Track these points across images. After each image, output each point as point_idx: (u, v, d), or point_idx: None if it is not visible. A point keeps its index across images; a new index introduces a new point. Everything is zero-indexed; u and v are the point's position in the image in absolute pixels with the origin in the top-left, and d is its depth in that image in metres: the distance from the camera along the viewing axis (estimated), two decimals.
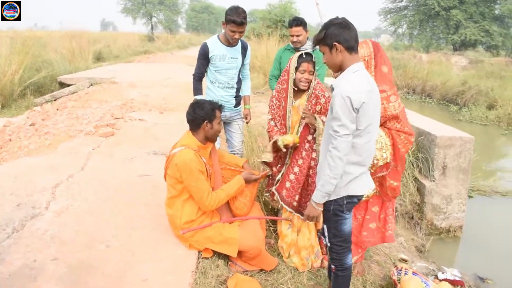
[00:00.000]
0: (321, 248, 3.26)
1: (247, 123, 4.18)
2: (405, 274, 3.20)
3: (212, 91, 3.88)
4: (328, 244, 2.50)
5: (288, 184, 3.07)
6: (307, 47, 4.28)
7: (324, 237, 2.52)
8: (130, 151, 4.94)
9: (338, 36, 2.21)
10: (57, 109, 7.10)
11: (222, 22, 3.65)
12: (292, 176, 3.06)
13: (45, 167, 4.29)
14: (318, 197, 2.30)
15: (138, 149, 5.02)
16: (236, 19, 3.49)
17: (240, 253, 2.83)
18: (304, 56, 3.00)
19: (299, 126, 3.07)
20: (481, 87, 13.88)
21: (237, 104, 4.03)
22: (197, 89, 3.84)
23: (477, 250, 4.64)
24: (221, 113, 3.04)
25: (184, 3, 54.85)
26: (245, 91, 4.12)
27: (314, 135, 2.99)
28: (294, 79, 3.01)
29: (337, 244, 2.47)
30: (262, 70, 11.84)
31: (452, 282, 3.45)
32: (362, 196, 2.46)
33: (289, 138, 2.95)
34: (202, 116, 2.89)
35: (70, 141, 5.25)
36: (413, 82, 16.97)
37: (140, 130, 5.88)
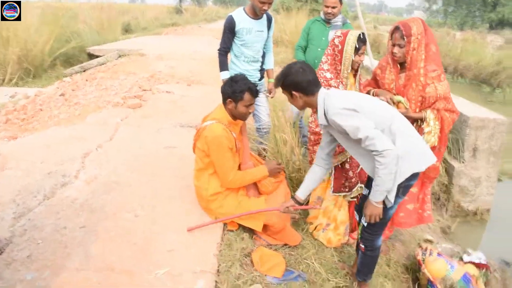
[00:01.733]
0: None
1: (272, 97, 4.11)
2: (430, 254, 3.17)
3: (236, 65, 3.83)
4: (365, 224, 2.46)
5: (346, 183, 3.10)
6: (337, 20, 4.18)
7: (362, 217, 2.48)
8: (157, 123, 4.99)
9: (295, 85, 2.32)
10: (87, 80, 7.20)
11: None
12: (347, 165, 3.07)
13: (75, 137, 4.38)
14: (378, 196, 2.25)
15: (165, 121, 5.07)
16: None
17: (265, 227, 2.84)
18: (362, 37, 2.87)
19: None
20: None
21: (262, 77, 4.01)
22: (223, 64, 3.76)
23: (504, 234, 4.54)
24: (253, 97, 2.87)
25: None
26: (269, 64, 4.06)
27: None
28: (352, 61, 2.89)
29: (375, 225, 2.43)
30: (291, 44, 11.66)
31: (477, 265, 3.39)
32: (418, 175, 2.36)
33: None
34: (228, 93, 2.82)
35: (99, 112, 5.34)
36: (446, 61, 16.39)
37: (167, 102, 5.92)
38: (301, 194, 2.71)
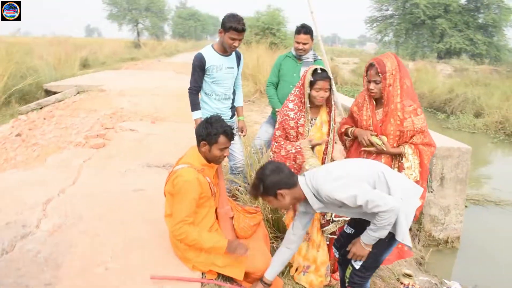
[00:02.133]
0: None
1: (244, 135, 4.07)
2: None
3: (207, 104, 3.76)
4: (357, 267, 2.39)
5: None
6: (309, 56, 4.19)
7: (357, 260, 2.42)
8: (123, 164, 4.79)
9: (278, 184, 2.25)
10: (44, 118, 6.92)
11: (219, 30, 3.55)
12: None
13: (34, 181, 4.12)
14: (370, 240, 2.25)
15: (131, 162, 4.88)
16: (237, 26, 3.40)
17: (246, 274, 2.71)
18: (319, 71, 2.87)
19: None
20: (468, 95, 14.07)
21: (233, 115, 3.96)
22: (195, 104, 3.66)
23: (475, 260, 4.63)
24: (229, 140, 2.76)
25: (171, 10, 54.79)
26: (238, 101, 4.03)
27: None
28: (310, 95, 2.90)
29: (368, 269, 2.40)
30: (252, 78, 11.79)
31: None
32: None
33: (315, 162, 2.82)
34: (202, 135, 2.70)
35: (60, 153, 5.09)
36: None
37: (132, 141, 5.74)
38: (269, 276, 2.62)
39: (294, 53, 4.22)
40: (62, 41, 14.86)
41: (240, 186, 3.98)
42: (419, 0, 27.74)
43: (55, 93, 9.93)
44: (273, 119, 4.34)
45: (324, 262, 3.08)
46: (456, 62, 24.15)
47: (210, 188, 2.79)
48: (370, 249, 2.28)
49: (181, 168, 2.70)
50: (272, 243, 3.41)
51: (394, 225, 2.22)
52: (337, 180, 2.16)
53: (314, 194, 2.24)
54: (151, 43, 37.65)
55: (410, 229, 4.80)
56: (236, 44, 3.51)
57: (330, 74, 2.98)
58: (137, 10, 45.07)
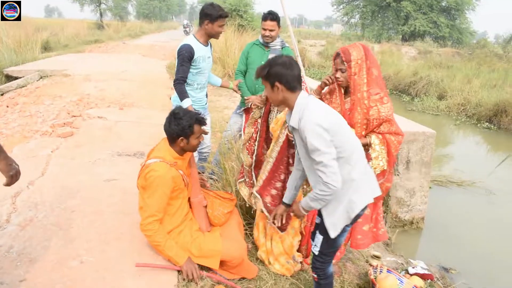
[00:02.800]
0: (301, 252, 3.26)
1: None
2: (381, 272, 3.28)
3: (189, 94, 3.75)
4: (316, 253, 2.49)
5: (274, 192, 3.02)
6: (276, 44, 4.18)
7: (315, 246, 2.50)
8: (93, 153, 4.70)
9: (280, 76, 2.24)
10: (7, 106, 6.67)
11: (205, 21, 3.59)
12: (279, 184, 3.01)
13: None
14: (306, 205, 2.37)
15: (101, 150, 4.79)
16: (223, 13, 3.53)
17: (221, 262, 2.76)
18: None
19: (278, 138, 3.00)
20: (431, 77, 14.45)
21: (206, 102, 4.04)
22: (184, 92, 3.63)
23: (439, 239, 4.83)
24: (202, 125, 2.80)
25: None
26: (218, 81, 4.21)
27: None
28: None
29: (326, 254, 2.48)
30: (221, 61, 11.68)
31: (422, 276, 3.57)
32: (366, 207, 2.43)
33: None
34: (177, 131, 2.69)
35: (26, 142, 4.93)
36: None
37: (101, 129, 5.62)
38: (287, 200, 2.74)
39: (261, 40, 4.20)
40: (21, 22, 14.11)
41: (213, 174, 4.01)
42: None
43: (16, 78, 9.57)
44: (241, 107, 4.36)
45: (281, 253, 3.12)
46: (420, 45, 24.66)
47: (183, 180, 2.80)
48: (306, 213, 2.46)
49: (153, 162, 2.68)
50: (246, 230, 3.48)
51: (333, 213, 2.33)
52: (320, 126, 2.15)
53: (298, 117, 2.25)
54: (114, 24, 36.51)
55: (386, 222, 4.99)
56: (223, 30, 3.66)
57: (299, 60, 3.01)
58: None
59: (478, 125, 10.89)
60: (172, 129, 2.69)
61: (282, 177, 3.00)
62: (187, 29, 31.10)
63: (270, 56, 4.04)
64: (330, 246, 2.45)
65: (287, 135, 2.92)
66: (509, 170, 7.54)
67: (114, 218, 3.28)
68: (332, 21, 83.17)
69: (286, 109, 2.43)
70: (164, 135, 2.83)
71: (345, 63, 2.81)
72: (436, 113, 12.07)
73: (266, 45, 4.19)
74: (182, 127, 2.67)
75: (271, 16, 4.02)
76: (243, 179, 3.35)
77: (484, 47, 22.68)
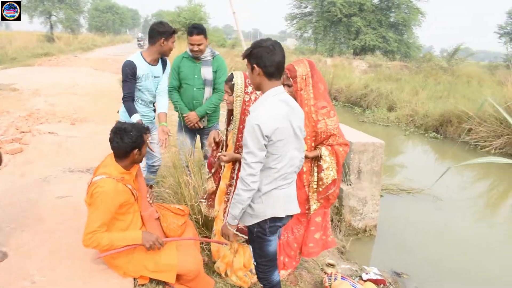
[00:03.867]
0: None
1: (165, 147, 3.76)
2: (335, 279, 3.37)
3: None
4: (254, 263, 2.55)
5: None
6: (207, 55, 4.08)
7: (252, 256, 2.57)
8: (43, 170, 4.57)
9: (259, 59, 2.22)
10: None
11: (161, 39, 3.56)
12: None
13: None
14: (229, 219, 2.37)
15: (52, 167, 4.67)
16: (175, 29, 3.61)
17: (178, 276, 2.75)
18: None
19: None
20: (381, 90, 15.00)
21: (154, 118, 3.99)
22: (132, 109, 3.60)
23: (391, 246, 5.00)
24: (149, 134, 2.89)
25: (87, 1, 51.86)
26: (162, 107, 3.90)
27: None
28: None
29: (262, 264, 2.52)
30: None
31: (375, 281, 3.69)
32: (286, 219, 2.48)
33: None
34: (131, 145, 2.71)
35: None
36: None
37: (51, 145, 5.48)
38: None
39: (190, 53, 4.07)
40: None
41: (167, 188, 3.99)
42: None
43: None
44: (182, 125, 4.24)
45: (240, 268, 3.13)
46: (371, 59, 25.55)
47: (132, 194, 2.80)
48: (235, 230, 2.45)
49: (99, 179, 2.67)
50: (201, 243, 3.49)
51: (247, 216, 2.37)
52: (259, 130, 2.14)
53: (256, 105, 2.29)
54: (66, 36, 35.60)
55: (332, 220, 5.12)
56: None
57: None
58: (49, 1, 42.19)
59: (426, 135, 11.40)
60: (126, 143, 2.69)
61: None
62: (141, 42, 30.81)
63: (203, 68, 4.03)
64: (260, 256, 2.49)
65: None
66: (455, 177, 7.93)
67: (66, 235, 3.21)
68: (286, 36, 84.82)
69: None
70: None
71: (290, 79, 2.91)
72: (386, 124, 12.53)
73: (196, 58, 4.07)
74: (135, 139, 2.71)
75: (197, 30, 3.92)
76: (204, 201, 3.34)
77: (430, 61, 23.71)
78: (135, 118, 3.55)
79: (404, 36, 31.06)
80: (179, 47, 13.44)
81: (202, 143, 4.35)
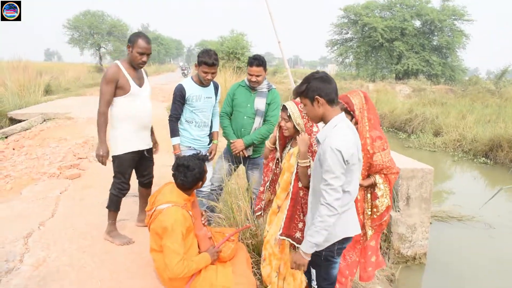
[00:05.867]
0: None
1: (211, 159, 4.11)
2: None
3: (187, 131, 3.96)
4: (315, 287, 2.56)
5: (301, 225, 2.92)
6: (263, 86, 4.12)
7: (312, 280, 2.58)
8: (100, 194, 4.79)
9: (319, 90, 2.30)
10: (13, 149, 6.81)
11: (195, 64, 3.84)
12: (302, 216, 2.95)
13: (12, 214, 4.09)
14: (307, 247, 2.31)
15: (109, 192, 4.87)
16: (207, 60, 3.70)
17: None
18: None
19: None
20: (426, 114, 14.70)
21: (210, 141, 4.15)
22: (174, 130, 3.89)
23: (442, 275, 4.85)
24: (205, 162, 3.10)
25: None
26: (215, 127, 4.20)
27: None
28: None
29: (325, 287, 2.54)
30: (221, 102, 11.90)
31: None
32: (351, 238, 2.53)
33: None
34: (196, 181, 2.95)
35: (34, 184, 5.05)
36: None
37: (107, 171, 5.70)
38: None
39: (247, 83, 4.09)
40: (22, 66, 14.36)
41: (219, 213, 4.07)
42: (377, 24, 29.01)
43: (20, 121, 9.76)
44: (228, 152, 4.24)
45: None
46: (414, 83, 25.18)
47: (191, 220, 2.94)
48: (309, 259, 2.35)
49: (166, 207, 2.83)
50: (253, 267, 3.53)
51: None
52: (340, 153, 2.20)
53: (327, 131, 2.33)
54: None
55: (380, 247, 5.04)
56: (209, 77, 3.79)
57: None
58: (99, 34, 44.70)
59: (475, 160, 11.04)
60: (191, 181, 2.92)
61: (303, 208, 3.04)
62: (185, 71, 31.74)
63: (257, 98, 4.07)
64: (325, 279, 2.51)
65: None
66: (506, 203, 7.63)
67: (125, 257, 3.36)
68: (327, 61, 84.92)
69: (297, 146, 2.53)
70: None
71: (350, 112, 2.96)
72: (433, 150, 12.23)
73: (253, 88, 4.11)
74: (199, 175, 2.93)
75: (257, 61, 3.93)
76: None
77: (477, 84, 23.11)
78: (174, 141, 3.85)
79: (448, 59, 30.41)
80: (223, 75, 13.80)
81: (247, 173, 4.37)
